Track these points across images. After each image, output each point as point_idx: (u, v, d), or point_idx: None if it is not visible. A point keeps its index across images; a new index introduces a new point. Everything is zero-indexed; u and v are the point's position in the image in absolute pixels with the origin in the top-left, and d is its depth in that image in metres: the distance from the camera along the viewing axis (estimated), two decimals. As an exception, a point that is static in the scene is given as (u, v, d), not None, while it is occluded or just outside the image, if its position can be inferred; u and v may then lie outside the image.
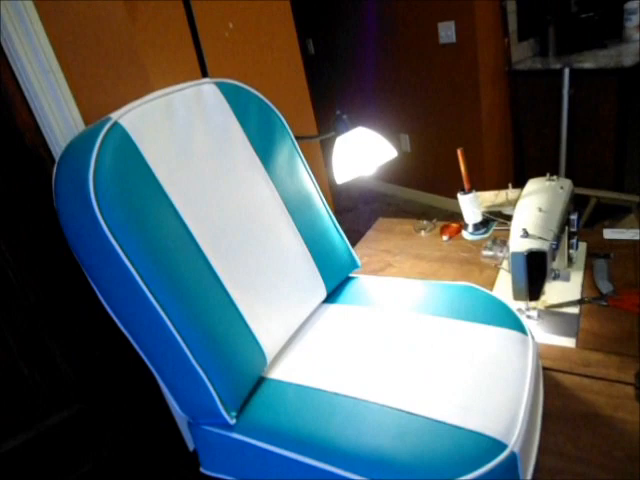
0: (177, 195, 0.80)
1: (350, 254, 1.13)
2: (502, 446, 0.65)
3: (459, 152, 1.14)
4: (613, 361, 0.88)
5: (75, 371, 1.19)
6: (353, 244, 1.45)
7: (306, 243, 1.01)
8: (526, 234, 0.89)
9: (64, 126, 1.01)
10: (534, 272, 0.90)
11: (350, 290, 1.08)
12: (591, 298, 1.04)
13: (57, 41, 0.99)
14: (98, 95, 1.08)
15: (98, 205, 0.69)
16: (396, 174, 3.18)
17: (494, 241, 1.29)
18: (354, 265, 1.14)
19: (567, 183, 1.07)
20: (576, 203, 1.11)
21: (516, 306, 0.98)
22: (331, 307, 1.03)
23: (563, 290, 1.07)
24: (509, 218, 1.00)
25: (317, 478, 0.72)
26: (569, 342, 0.95)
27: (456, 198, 1.21)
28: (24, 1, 0.93)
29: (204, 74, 1.28)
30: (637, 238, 1.19)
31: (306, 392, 0.81)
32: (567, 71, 2.21)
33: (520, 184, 1.11)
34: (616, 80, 2.12)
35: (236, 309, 0.83)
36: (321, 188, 1.10)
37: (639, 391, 0.81)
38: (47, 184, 0.77)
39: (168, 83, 0.89)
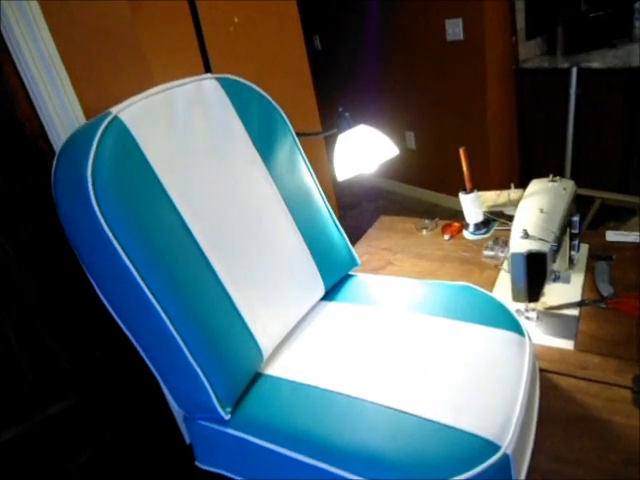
0: (175, 190, 0.80)
1: (349, 252, 1.12)
2: (495, 447, 0.65)
3: (461, 151, 1.14)
4: (611, 364, 0.88)
5: (75, 367, 1.19)
6: (355, 241, 1.45)
7: (305, 240, 1.00)
8: (526, 235, 0.89)
9: (65, 119, 1.01)
10: (534, 273, 0.89)
11: (348, 288, 1.08)
12: (591, 300, 1.03)
13: (59, 34, 0.99)
14: (100, 88, 1.08)
15: (96, 199, 0.69)
16: (400, 171, 3.17)
17: (495, 241, 1.29)
18: (353, 263, 1.13)
19: (570, 184, 1.07)
20: (580, 204, 1.10)
21: (515, 307, 0.97)
22: (329, 305, 1.03)
23: (563, 292, 1.07)
24: (511, 218, 1.00)
25: (310, 475, 0.72)
26: (567, 344, 0.94)
27: (459, 197, 1.20)
28: (27, -6, 0.93)
29: (207, 69, 1.28)
30: (640, 241, 1.19)
31: (302, 389, 0.81)
32: (575, 70, 2.19)
33: (525, 183, 1.10)
34: (624, 80, 2.10)
35: (233, 305, 0.83)
36: (324, 185, 1.09)
37: (636, 395, 0.81)
38: (47, 178, 0.77)
39: (171, 77, 0.89)
